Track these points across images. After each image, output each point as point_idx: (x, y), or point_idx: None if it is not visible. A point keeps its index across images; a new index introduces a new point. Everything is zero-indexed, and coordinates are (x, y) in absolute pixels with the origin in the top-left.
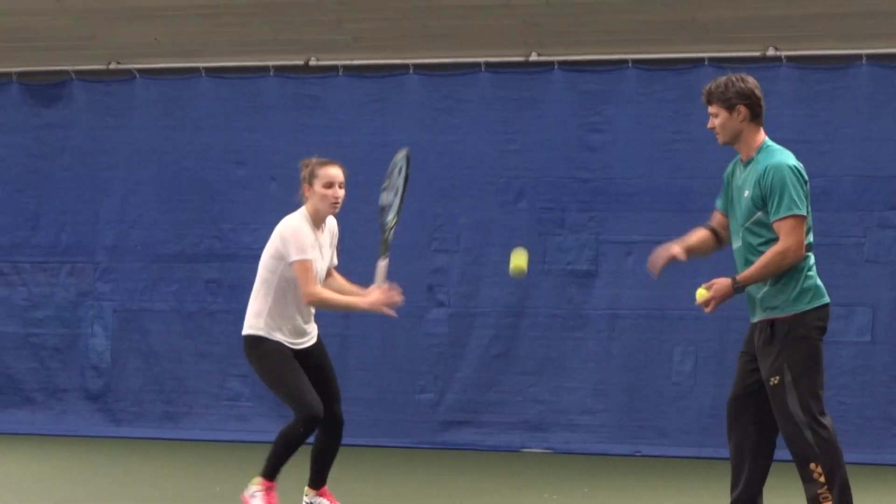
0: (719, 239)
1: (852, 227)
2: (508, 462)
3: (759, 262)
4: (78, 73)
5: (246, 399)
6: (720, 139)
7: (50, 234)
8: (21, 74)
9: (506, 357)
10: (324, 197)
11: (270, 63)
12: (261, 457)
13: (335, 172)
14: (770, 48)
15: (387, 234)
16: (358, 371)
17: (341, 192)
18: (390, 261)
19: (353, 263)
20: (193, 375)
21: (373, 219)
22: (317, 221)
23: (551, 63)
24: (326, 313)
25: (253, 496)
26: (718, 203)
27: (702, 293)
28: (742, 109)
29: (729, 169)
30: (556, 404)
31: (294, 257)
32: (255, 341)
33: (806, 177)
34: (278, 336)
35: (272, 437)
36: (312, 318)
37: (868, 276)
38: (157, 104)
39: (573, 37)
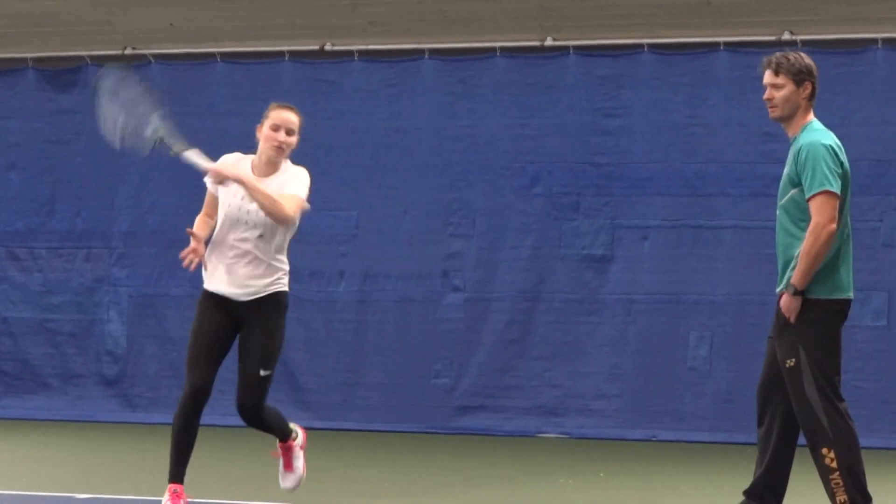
0: None
1: (868, 211)
2: (524, 447)
3: (801, 253)
4: (93, 58)
5: None
6: (777, 112)
7: (65, 219)
8: (37, 60)
9: (521, 342)
10: (267, 138)
11: (286, 48)
12: (275, 444)
13: (285, 116)
14: (786, 32)
15: (160, 139)
16: (374, 356)
17: (285, 137)
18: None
19: (369, 249)
20: None
21: (387, 202)
22: (262, 164)
23: (567, 48)
24: (341, 300)
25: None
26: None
27: None
28: (808, 86)
29: None
30: (572, 389)
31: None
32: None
33: (843, 158)
34: (213, 284)
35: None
36: (255, 271)
37: (884, 260)
38: (172, 89)
39: (588, 21)
